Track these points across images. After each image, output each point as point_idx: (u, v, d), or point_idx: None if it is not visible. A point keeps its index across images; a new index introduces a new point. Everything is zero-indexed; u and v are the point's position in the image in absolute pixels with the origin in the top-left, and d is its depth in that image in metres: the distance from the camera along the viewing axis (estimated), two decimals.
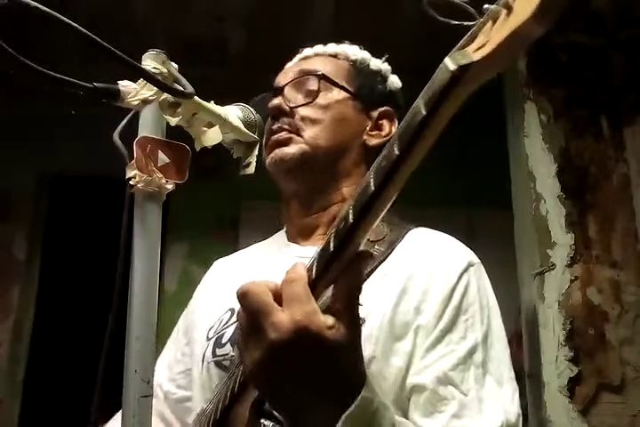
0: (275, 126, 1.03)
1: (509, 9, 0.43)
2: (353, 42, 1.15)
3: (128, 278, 0.69)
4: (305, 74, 1.07)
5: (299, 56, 1.14)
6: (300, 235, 1.05)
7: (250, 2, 2.78)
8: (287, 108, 1.04)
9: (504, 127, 2.49)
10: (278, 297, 0.57)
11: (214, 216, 3.41)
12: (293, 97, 1.05)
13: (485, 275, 0.92)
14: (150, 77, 0.69)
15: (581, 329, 2.06)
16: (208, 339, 0.98)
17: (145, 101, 0.71)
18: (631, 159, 2.26)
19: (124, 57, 0.64)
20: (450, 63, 0.46)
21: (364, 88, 1.08)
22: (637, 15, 2.33)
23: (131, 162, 0.70)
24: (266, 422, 0.80)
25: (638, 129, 2.27)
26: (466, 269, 0.89)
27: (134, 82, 0.72)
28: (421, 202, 3.38)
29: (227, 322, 0.97)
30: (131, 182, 0.69)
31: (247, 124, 0.87)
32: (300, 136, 1.02)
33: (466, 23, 0.48)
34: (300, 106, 1.04)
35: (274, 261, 1.00)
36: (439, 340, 0.82)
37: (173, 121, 0.74)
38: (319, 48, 1.13)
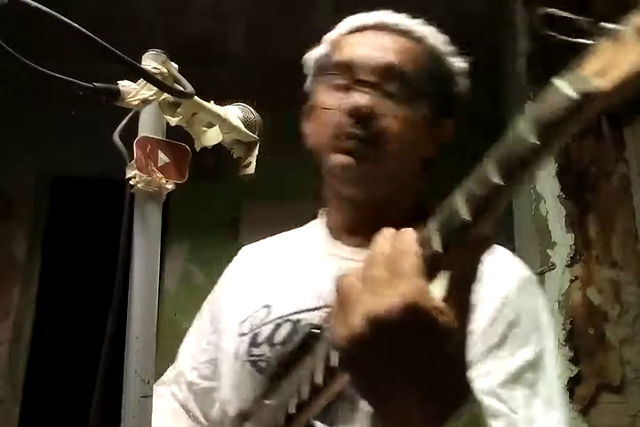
0: (357, 132, 0.89)
1: None
2: None
3: (128, 278, 0.69)
4: (393, 72, 0.90)
5: (375, 21, 0.94)
6: (347, 234, 0.97)
7: (250, 1, 2.78)
8: (376, 114, 0.88)
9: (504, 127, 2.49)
10: (388, 264, 0.50)
11: (214, 216, 3.41)
12: (380, 100, 0.89)
13: (539, 289, 0.89)
14: (150, 77, 0.69)
15: (581, 329, 2.06)
16: (241, 334, 0.94)
17: (145, 101, 0.71)
18: (631, 159, 2.26)
19: (124, 57, 0.64)
20: (568, 88, 0.41)
21: (437, 92, 0.93)
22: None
23: (131, 162, 0.70)
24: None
25: (638, 129, 2.27)
26: (521, 285, 0.86)
27: (134, 82, 0.72)
28: None
29: (263, 320, 0.92)
30: (131, 182, 0.69)
31: (247, 124, 0.87)
32: (379, 149, 0.89)
33: (583, 41, 0.43)
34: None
35: (323, 261, 0.95)
36: (488, 354, 0.78)
37: (173, 121, 0.73)
38: (401, 22, 0.94)
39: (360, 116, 0.88)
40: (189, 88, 0.72)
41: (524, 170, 0.44)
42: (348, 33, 0.97)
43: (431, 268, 0.49)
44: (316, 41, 1.15)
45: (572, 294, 2.10)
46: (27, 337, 3.32)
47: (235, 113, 0.86)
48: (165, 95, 0.72)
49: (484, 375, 0.76)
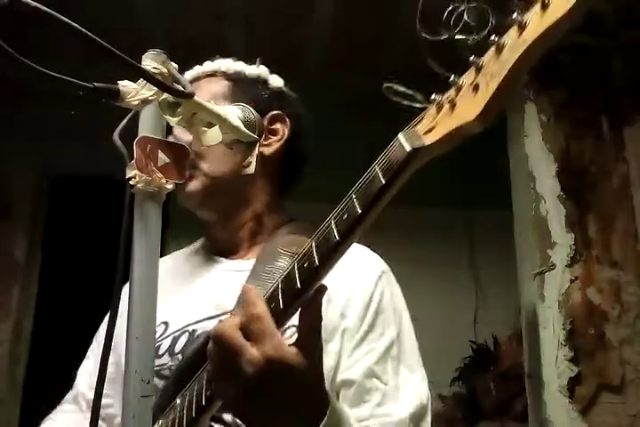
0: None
1: (454, 106, 0.52)
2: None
3: (128, 278, 0.69)
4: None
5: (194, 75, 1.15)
6: (224, 250, 1.11)
7: (250, 2, 2.78)
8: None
9: (504, 127, 2.49)
10: (246, 330, 0.66)
11: None
12: (180, 135, 1.03)
13: (395, 281, 1.05)
14: (150, 77, 0.69)
15: (581, 329, 2.06)
16: None
17: (145, 101, 0.71)
18: (631, 159, 2.26)
19: (124, 57, 0.64)
20: (405, 143, 0.56)
21: (245, 100, 1.04)
22: (637, 16, 2.33)
23: (131, 162, 0.70)
24: (215, 426, 0.89)
25: (638, 129, 2.27)
26: (380, 278, 1.01)
27: (134, 82, 0.72)
28: (421, 203, 3.38)
29: (162, 335, 1.00)
30: (131, 182, 0.69)
31: (247, 124, 0.87)
32: (199, 169, 1.06)
33: (416, 105, 0.59)
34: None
35: (211, 276, 1.07)
36: (363, 339, 0.94)
37: (173, 121, 0.74)
38: (198, 69, 1.15)
39: None
40: (189, 88, 0.72)
41: (377, 202, 0.59)
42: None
43: (279, 321, 0.66)
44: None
45: (572, 294, 2.10)
46: (27, 337, 3.31)
47: (235, 113, 0.86)
48: (165, 95, 0.72)
49: (363, 357, 0.93)
